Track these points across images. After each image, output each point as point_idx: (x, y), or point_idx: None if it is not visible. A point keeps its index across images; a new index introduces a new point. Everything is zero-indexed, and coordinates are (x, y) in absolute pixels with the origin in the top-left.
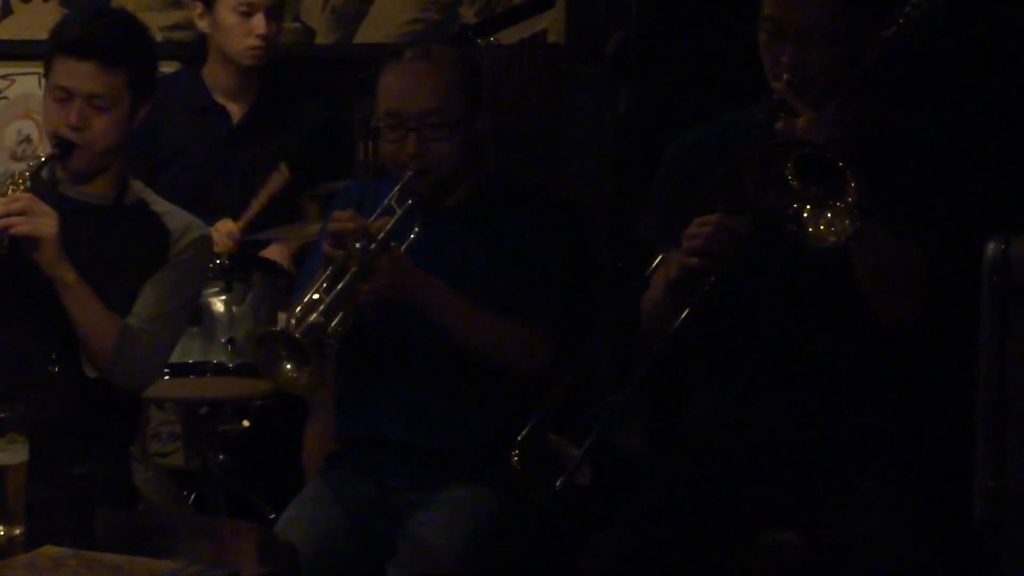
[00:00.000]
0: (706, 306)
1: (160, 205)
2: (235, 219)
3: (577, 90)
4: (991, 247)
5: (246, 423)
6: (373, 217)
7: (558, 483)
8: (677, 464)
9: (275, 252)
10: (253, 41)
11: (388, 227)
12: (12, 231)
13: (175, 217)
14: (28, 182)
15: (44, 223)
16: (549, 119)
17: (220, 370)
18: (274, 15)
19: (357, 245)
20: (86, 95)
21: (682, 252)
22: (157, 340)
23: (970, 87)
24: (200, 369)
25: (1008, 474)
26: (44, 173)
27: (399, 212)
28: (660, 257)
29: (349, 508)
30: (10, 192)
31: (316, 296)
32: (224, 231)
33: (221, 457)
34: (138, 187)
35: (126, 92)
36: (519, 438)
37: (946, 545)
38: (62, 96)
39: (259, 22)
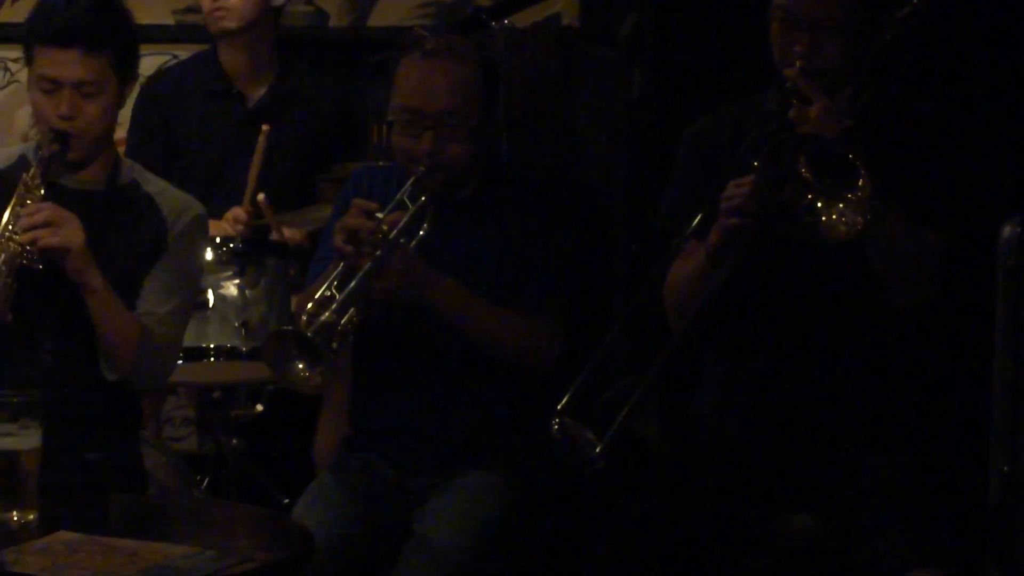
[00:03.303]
0: (737, 279)
1: (152, 184)
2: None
3: (591, 73)
4: (1007, 230)
5: (259, 407)
6: (384, 213)
7: (598, 449)
8: (691, 449)
9: (290, 234)
10: (209, 5)
11: (400, 225)
12: (40, 244)
13: (169, 199)
14: (43, 188)
15: (71, 232)
16: (562, 102)
17: (234, 354)
18: None
19: (369, 241)
20: (74, 83)
21: (721, 214)
22: (173, 337)
23: (982, 71)
24: (214, 353)
25: (1023, 458)
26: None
27: (412, 209)
28: (679, 247)
29: (364, 494)
30: (29, 203)
31: (328, 293)
32: (231, 218)
33: (235, 441)
34: (128, 165)
35: (112, 74)
36: (559, 407)
37: (960, 529)
38: (49, 87)
39: None
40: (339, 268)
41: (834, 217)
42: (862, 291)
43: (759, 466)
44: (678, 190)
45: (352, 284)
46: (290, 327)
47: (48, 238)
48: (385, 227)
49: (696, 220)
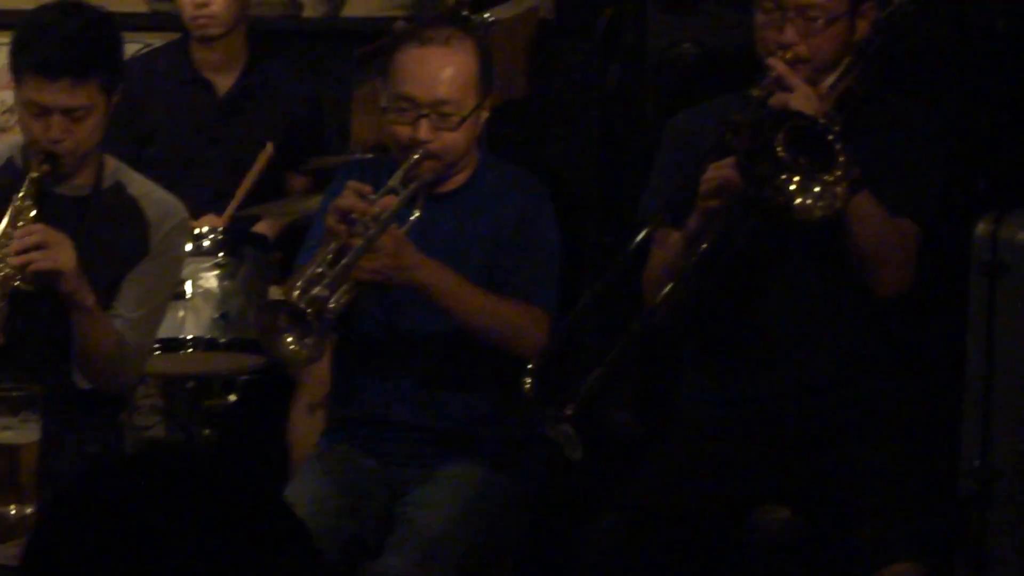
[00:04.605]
0: (710, 268)
1: (137, 186)
2: (220, 193)
3: (566, 66)
4: (980, 227)
5: (233, 398)
6: (376, 197)
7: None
8: (671, 442)
9: (264, 227)
10: (191, 11)
11: (392, 206)
12: (33, 267)
13: (153, 202)
14: (35, 208)
15: (64, 254)
16: (538, 94)
17: (212, 346)
18: None
19: (362, 221)
20: (63, 109)
21: (700, 197)
22: (144, 344)
23: (962, 70)
24: (192, 344)
25: (994, 452)
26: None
27: (403, 193)
28: (660, 237)
29: (349, 485)
30: (20, 225)
31: (319, 270)
32: (207, 225)
33: (207, 431)
34: (113, 166)
35: (101, 95)
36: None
37: (935, 522)
38: (38, 111)
39: None
40: (331, 247)
41: (808, 199)
42: (841, 286)
43: (738, 460)
44: (659, 180)
45: (344, 260)
46: (282, 298)
47: (41, 262)
48: (377, 209)
49: (674, 208)
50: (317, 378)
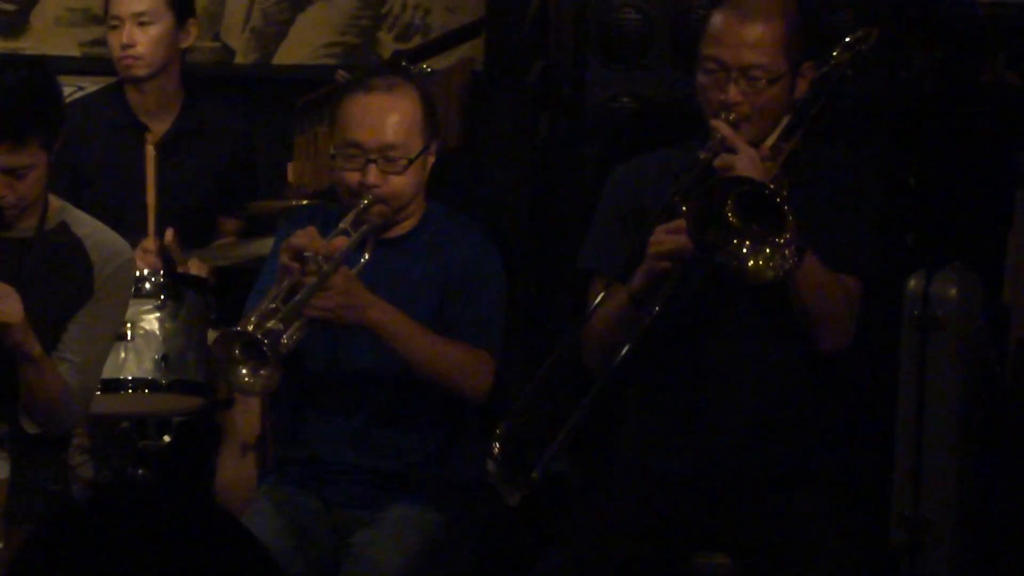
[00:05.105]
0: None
1: (81, 226)
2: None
3: (498, 117)
4: (912, 283)
5: (167, 439)
6: (328, 239)
7: (534, 475)
8: (611, 489)
9: (196, 268)
10: (118, 52)
11: (344, 247)
12: None
13: (98, 242)
14: None
15: (10, 307)
16: (471, 144)
17: (153, 387)
18: (144, 23)
19: (315, 260)
20: (4, 170)
21: (649, 258)
22: (87, 387)
23: (890, 125)
24: (132, 385)
25: (924, 502)
26: None
27: (354, 235)
28: (601, 289)
29: (294, 526)
30: None
31: (273, 305)
32: (140, 251)
33: (140, 472)
34: (57, 206)
35: (42, 152)
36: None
37: (868, 570)
38: None
39: (124, 32)
40: (284, 284)
41: (760, 261)
42: (779, 335)
43: (678, 507)
44: (601, 232)
45: (297, 297)
46: (238, 328)
47: None
48: (329, 248)
49: (617, 262)
50: (247, 421)
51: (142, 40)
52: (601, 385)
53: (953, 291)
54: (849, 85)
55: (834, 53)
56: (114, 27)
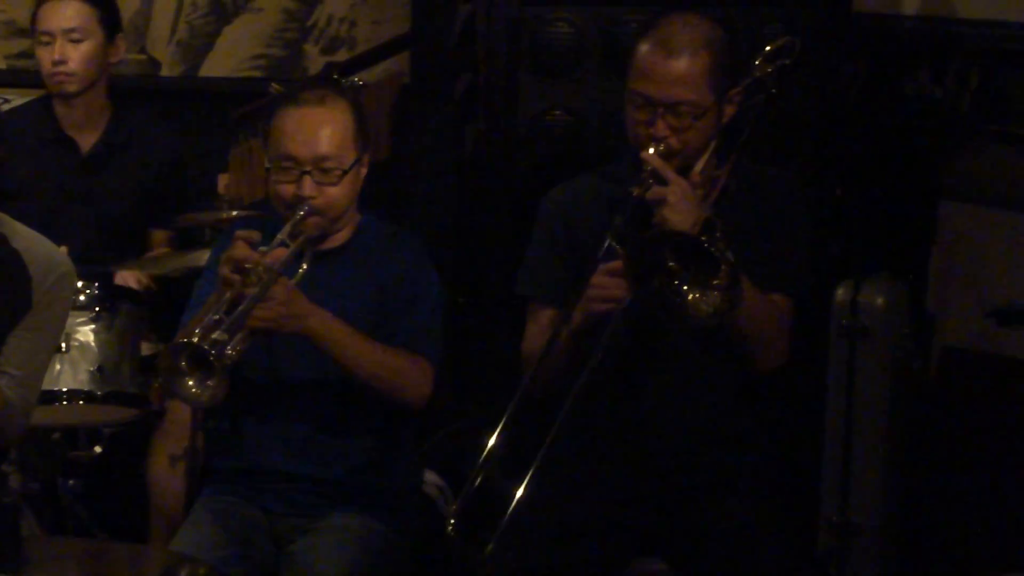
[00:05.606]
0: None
1: (20, 239)
2: (86, 249)
3: (425, 129)
4: (840, 292)
5: (98, 449)
6: (267, 249)
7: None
8: (547, 495)
9: (129, 278)
10: (49, 68)
11: (283, 258)
12: None
13: (36, 255)
14: None
15: None
16: (399, 156)
17: (89, 398)
18: (76, 39)
19: (255, 271)
20: None
21: (589, 299)
22: (27, 401)
23: (813, 138)
24: (67, 397)
25: (852, 508)
26: None
27: (292, 247)
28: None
29: (235, 534)
30: None
31: (216, 316)
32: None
33: (71, 482)
34: None
35: None
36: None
37: (799, 574)
38: None
39: (53, 48)
40: (225, 297)
41: (701, 304)
42: (712, 352)
43: (615, 512)
44: (537, 258)
45: (239, 308)
46: (185, 340)
47: None
48: (268, 259)
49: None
50: (176, 430)
51: (74, 56)
52: (552, 436)
53: (881, 300)
54: (774, 103)
55: (756, 63)
56: (45, 43)
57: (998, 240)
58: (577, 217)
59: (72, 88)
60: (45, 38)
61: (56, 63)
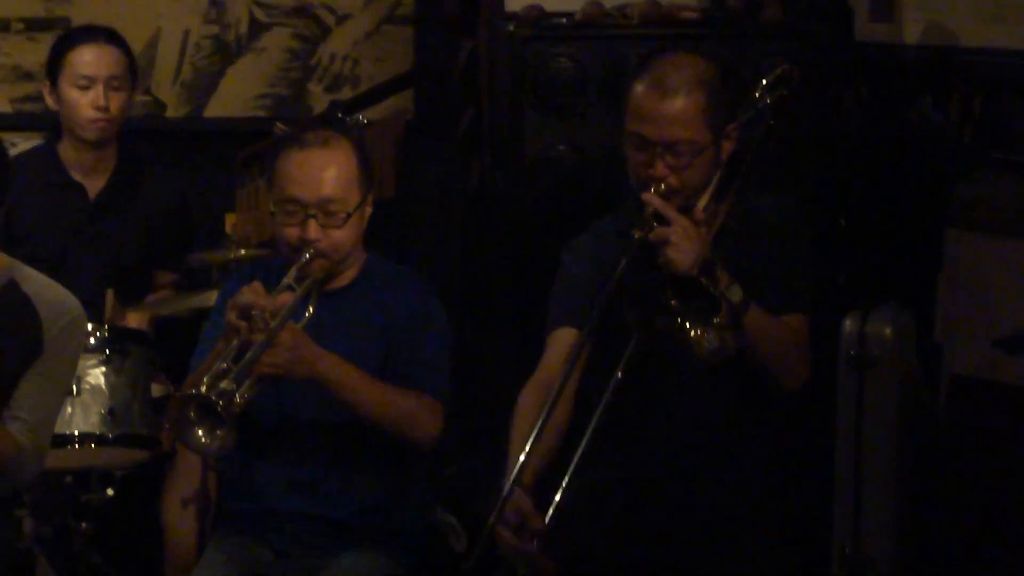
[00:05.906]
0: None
1: (30, 283)
2: (93, 293)
3: (429, 165)
4: (848, 323)
5: (110, 492)
6: (273, 294)
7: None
8: (563, 532)
9: (134, 320)
10: (92, 113)
11: (290, 303)
12: None
13: (47, 299)
14: None
15: None
16: (404, 193)
17: (101, 441)
18: (116, 87)
19: (261, 317)
20: None
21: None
22: (40, 447)
23: (827, 166)
24: (79, 440)
25: (865, 540)
26: None
27: (298, 290)
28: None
29: (248, 575)
30: None
31: (224, 365)
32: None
33: (83, 526)
34: (6, 263)
35: None
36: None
37: None
38: None
39: (97, 94)
40: (232, 344)
41: (704, 339)
42: (723, 379)
43: (627, 546)
44: (564, 294)
45: (247, 355)
46: (193, 391)
47: None
48: (275, 305)
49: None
50: (188, 471)
51: (115, 103)
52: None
53: (888, 331)
54: (774, 134)
55: (756, 95)
56: (82, 87)
57: (1005, 268)
58: (602, 258)
59: (109, 134)
60: (83, 82)
61: (101, 109)
